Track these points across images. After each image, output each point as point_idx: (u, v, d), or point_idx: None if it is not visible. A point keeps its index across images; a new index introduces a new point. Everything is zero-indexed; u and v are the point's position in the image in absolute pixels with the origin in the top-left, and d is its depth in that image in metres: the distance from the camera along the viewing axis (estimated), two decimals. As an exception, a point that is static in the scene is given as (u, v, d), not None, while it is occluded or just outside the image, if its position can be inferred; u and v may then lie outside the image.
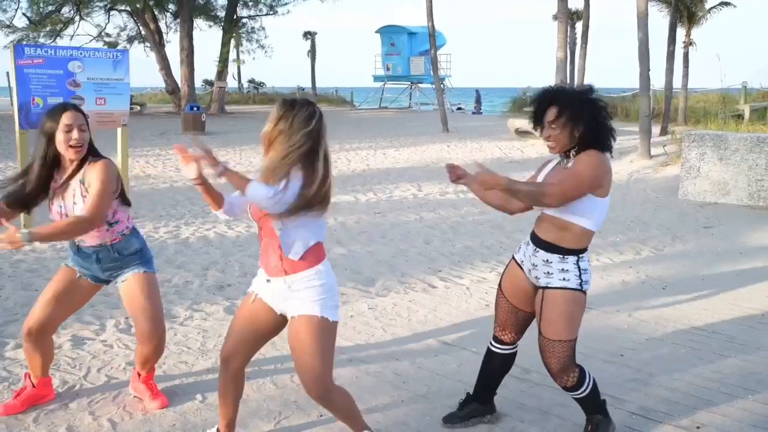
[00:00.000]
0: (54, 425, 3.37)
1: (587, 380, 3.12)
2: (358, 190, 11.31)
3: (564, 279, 3.00)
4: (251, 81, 47.64)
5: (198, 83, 32.30)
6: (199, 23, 32.46)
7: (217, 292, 5.68)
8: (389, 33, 38.37)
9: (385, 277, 6.20)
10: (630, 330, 4.82)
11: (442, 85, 26.54)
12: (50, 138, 3.17)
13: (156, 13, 31.02)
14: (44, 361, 3.52)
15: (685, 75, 21.89)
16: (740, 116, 19.56)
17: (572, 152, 2.99)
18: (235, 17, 32.05)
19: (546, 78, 51.04)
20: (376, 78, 39.87)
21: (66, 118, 3.13)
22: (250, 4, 33.22)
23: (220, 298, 5.53)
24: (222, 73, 31.91)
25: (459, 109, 38.74)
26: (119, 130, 8.18)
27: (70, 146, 3.14)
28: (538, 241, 3.09)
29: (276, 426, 3.40)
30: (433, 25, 23.24)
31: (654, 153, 14.76)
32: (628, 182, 12.37)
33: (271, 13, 33.75)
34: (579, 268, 3.01)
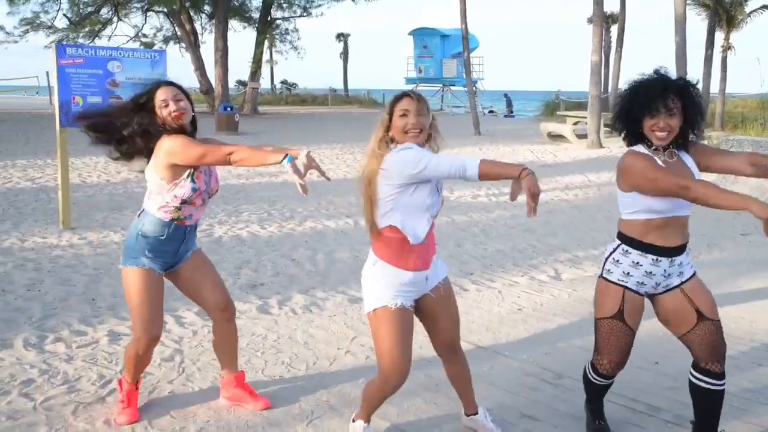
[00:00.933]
0: (92, 418, 3.43)
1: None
2: (390, 192, 11.30)
3: (690, 265, 3.08)
4: (284, 82, 48.04)
5: (231, 84, 32.70)
6: (234, 24, 32.91)
7: (250, 291, 5.74)
8: (422, 35, 38.40)
9: (416, 279, 6.19)
10: (665, 338, 4.73)
11: (474, 88, 26.44)
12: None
13: (192, 14, 31.48)
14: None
15: (723, 79, 21.53)
16: (780, 122, 19.15)
17: (672, 147, 2.98)
18: (269, 19, 32.39)
19: (580, 82, 50.57)
20: (408, 80, 39.90)
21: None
22: (285, 5, 33.52)
23: (252, 297, 5.58)
24: (255, 73, 32.25)
25: (491, 112, 38.61)
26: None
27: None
28: (674, 251, 2.99)
29: (308, 425, 3.42)
30: (466, 28, 23.19)
31: (690, 158, 14.55)
32: (663, 188, 12.20)
33: (304, 14, 34.04)
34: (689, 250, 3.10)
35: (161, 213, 3.30)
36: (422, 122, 2.87)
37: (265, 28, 32.10)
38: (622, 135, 3.08)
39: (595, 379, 3.24)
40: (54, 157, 10.85)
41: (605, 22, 27.38)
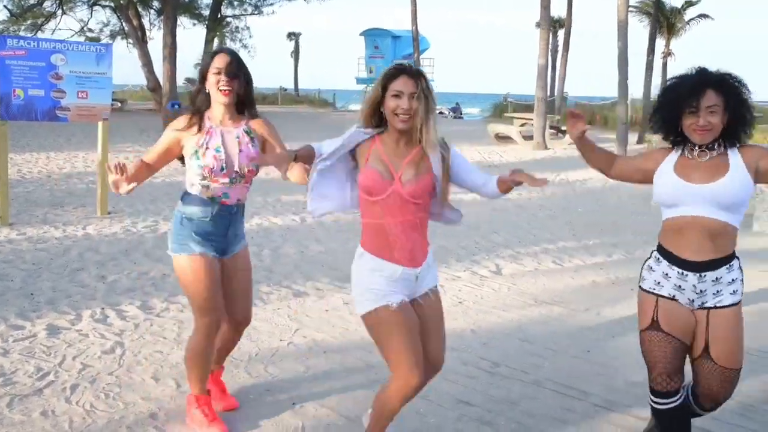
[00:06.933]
0: (28, 410, 3.40)
1: None
2: (338, 190, 11.35)
3: (733, 292, 2.72)
4: (234, 80, 47.46)
5: (180, 81, 32.21)
6: (183, 21, 32.34)
7: (195, 286, 5.72)
8: (373, 36, 38.56)
9: (361, 274, 6.27)
10: (597, 328, 4.95)
11: (424, 89, 26.67)
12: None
13: (140, 9, 30.85)
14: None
15: (664, 84, 22.27)
16: (716, 126, 19.90)
17: (715, 144, 2.71)
18: (219, 16, 32.00)
19: (527, 85, 51.67)
20: (359, 80, 39.98)
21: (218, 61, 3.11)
22: (235, 3, 33.16)
23: (197, 291, 5.57)
24: (205, 71, 31.80)
25: (440, 113, 39.10)
26: (100, 124, 8.18)
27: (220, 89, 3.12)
28: (701, 266, 2.68)
29: (249, 411, 3.46)
30: (417, 29, 23.41)
31: (630, 160, 15.02)
32: (604, 188, 12.57)
33: (255, 12, 33.73)
34: (741, 271, 2.77)
35: (194, 190, 3.15)
36: (415, 107, 2.60)
37: (215, 25, 31.71)
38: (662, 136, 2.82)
39: (654, 401, 2.88)
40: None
41: (552, 26, 27.99)
